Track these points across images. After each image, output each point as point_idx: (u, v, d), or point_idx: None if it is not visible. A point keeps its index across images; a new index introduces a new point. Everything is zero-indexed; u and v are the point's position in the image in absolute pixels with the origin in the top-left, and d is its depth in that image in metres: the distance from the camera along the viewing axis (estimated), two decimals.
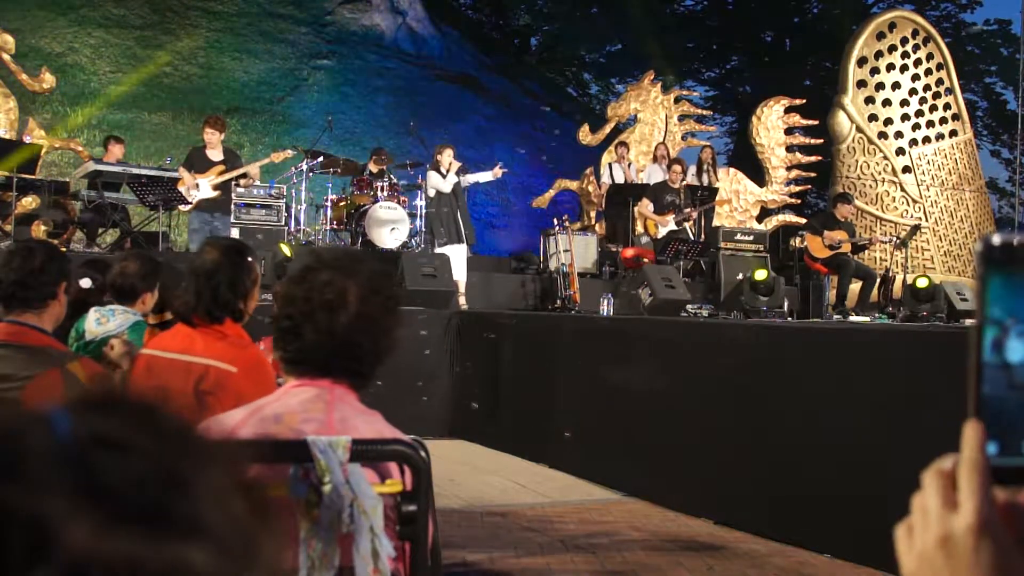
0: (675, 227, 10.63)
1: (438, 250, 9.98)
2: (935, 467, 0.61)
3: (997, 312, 0.59)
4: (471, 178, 10.92)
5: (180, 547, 0.40)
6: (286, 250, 8.80)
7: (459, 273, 9.90)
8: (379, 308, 1.80)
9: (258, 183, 10.08)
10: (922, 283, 10.20)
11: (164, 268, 3.75)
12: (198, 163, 9.28)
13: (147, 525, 0.40)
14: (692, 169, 12.39)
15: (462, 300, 9.80)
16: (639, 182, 12.12)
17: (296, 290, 1.79)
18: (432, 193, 10.28)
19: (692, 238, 10.86)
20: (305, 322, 1.76)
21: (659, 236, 10.60)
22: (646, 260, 10.28)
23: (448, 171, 10.18)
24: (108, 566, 0.38)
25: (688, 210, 10.76)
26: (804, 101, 13.80)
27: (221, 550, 0.42)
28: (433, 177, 10.22)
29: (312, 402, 1.76)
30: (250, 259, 2.61)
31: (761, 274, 9.86)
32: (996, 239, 0.59)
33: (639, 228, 11.46)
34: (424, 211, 10.57)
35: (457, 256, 9.93)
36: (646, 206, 10.71)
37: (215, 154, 9.35)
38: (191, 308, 2.52)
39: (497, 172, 10.81)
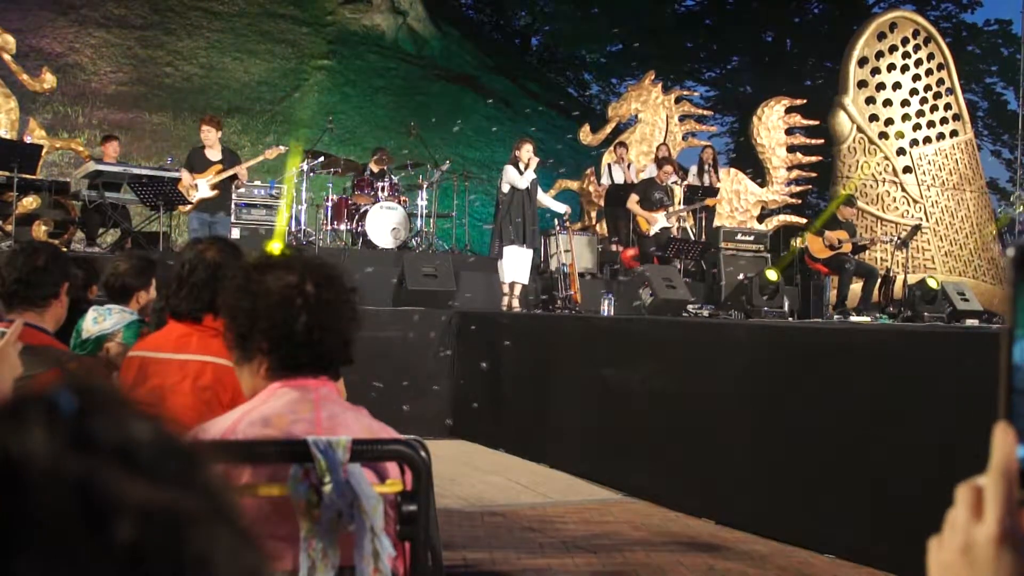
0: (666, 224, 10.60)
1: (506, 250, 9.49)
2: (969, 481, 0.62)
3: None
4: (542, 199, 10.22)
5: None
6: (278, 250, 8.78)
7: (521, 275, 9.59)
8: (343, 292, 1.79)
9: (258, 183, 10.08)
10: (931, 283, 10.21)
11: (159, 267, 3.74)
12: (197, 163, 9.26)
13: (171, 480, 0.46)
14: (693, 169, 12.39)
15: (515, 303, 9.58)
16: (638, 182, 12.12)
17: (267, 300, 1.73)
18: (506, 189, 9.60)
19: (692, 238, 10.85)
20: (307, 325, 1.73)
21: (651, 233, 10.56)
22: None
23: (527, 167, 9.52)
24: (163, 514, 0.44)
25: (675, 209, 10.74)
26: (805, 101, 13.81)
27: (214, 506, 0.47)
28: (510, 172, 9.59)
29: (298, 403, 1.75)
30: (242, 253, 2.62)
31: (772, 275, 9.77)
32: None
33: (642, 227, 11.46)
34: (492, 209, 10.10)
35: (522, 259, 9.57)
36: (634, 202, 10.69)
37: (213, 154, 9.33)
38: (203, 305, 2.48)
39: (564, 211, 10.22)
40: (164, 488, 0.45)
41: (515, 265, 9.60)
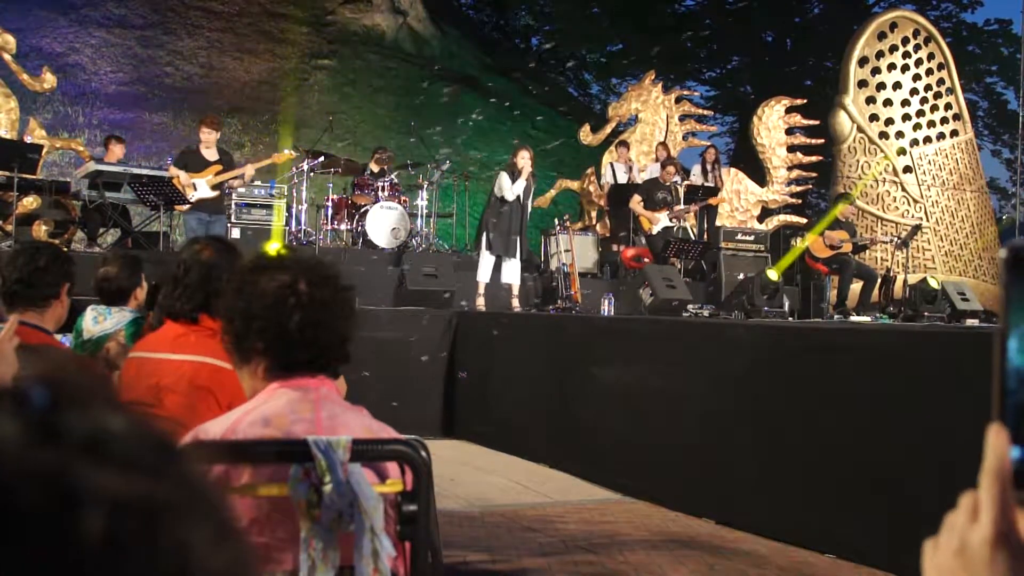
0: (669, 223, 10.59)
1: (483, 256, 9.32)
2: (971, 491, 0.62)
3: (1020, 317, 0.61)
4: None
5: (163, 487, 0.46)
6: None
7: (512, 279, 9.48)
8: (339, 291, 1.79)
9: (259, 183, 10.07)
10: (932, 283, 10.22)
11: (160, 267, 3.75)
12: (193, 163, 9.20)
13: (145, 471, 0.45)
14: (696, 169, 12.39)
15: (515, 302, 9.48)
16: (640, 182, 12.12)
17: (262, 300, 1.74)
18: (498, 193, 9.36)
19: (693, 238, 10.85)
20: (301, 324, 1.74)
21: (653, 232, 10.56)
22: (646, 260, 10.28)
23: (519, 175, 9.24)
24: (137, 504, 0.44)
25: (678, 208, 10.74)
26: (805, 101, 13.81)
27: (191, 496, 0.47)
28: (503, 179, 9.32)
29: (299, 403, 1.75)
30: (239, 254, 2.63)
31: (772, 275, 9.73)
32: (1022, 245, 0.60)
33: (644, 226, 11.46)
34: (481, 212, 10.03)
35: (510, 266, 9.40)
36: (637, 202, 10.68)
37: (210, 153, 9.28)
38: (196, 306, 2.49)
39: None
40: (137, 478, 0.44)
41: (496, 270, 9.42)
